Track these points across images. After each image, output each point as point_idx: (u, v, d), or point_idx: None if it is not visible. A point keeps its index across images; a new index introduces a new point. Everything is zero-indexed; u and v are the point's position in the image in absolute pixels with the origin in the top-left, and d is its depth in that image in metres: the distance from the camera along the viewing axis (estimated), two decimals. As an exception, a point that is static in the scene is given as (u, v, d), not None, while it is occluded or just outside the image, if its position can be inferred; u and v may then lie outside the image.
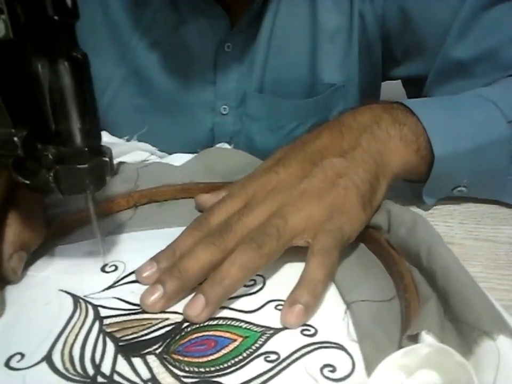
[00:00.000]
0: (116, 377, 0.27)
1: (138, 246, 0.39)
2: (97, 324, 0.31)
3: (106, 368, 0.28)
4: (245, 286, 0.34)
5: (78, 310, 0.32)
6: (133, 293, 0.34)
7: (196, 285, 0.33)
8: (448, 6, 0.54)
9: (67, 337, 0.30)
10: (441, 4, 0.54)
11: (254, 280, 0.35)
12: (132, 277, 0.35)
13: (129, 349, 0.29)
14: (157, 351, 0.29)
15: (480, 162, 0.43)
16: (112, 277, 0.35)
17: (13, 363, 0.28)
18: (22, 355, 0.29)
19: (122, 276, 0.36)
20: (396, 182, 0.42)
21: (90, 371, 0.28)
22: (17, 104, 0.29)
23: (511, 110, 0.44)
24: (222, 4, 0.60)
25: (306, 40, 0.61)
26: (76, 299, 0.33)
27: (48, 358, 0.28)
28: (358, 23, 0.60)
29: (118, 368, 0.28)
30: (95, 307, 0.33)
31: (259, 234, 0.34)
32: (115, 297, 0.33)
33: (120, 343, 0.30)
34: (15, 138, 0.29)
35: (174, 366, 0.28)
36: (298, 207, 0.36)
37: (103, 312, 0.32)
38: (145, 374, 0.28)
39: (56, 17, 0.28)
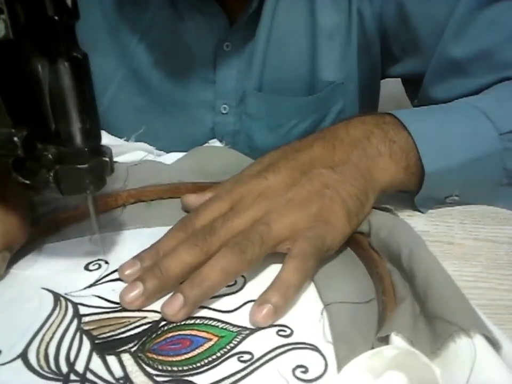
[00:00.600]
0: (89, 375, 0.28)
1: (123, 245, 0.39)
2: (75, 322, 0.31)
3: (80, 366, 0.28)
4: (226, 285, 0.34)
5: (58, 308, 0.33)
6: (114, 291, 0.34)
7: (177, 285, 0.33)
8: (445, 4, 0.53)
9: (44, 334, 0.30)
10: (438, 1, 0.53)
11: (235, 280, 0.35)
12: (114, 275, 0.36)
13: (104, 347, 0.30)
14: (132, 350, 0.29)
15: (472, 174, 0.43)
16: (95, 275, 0.36)
17: (-11, 360, 0.29)
18: (-1, 352, 0.29)
19: (104, 274, 0.36)
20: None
21: (64, 369, 0.28)
22: (17, 104, 0.29)
23: (503, 123, 0.43)
24: (220, 3, 0.60)
25: (305, 38, 0.61)
26: (57, 297, 0.34)
27: (23, 355, 0.29)
28: (356, 21, 0.59)
29: (91, 366, 0.28)
30: (75, 305, 0.33)
31: (243, 240, 0.34)
32: (96, 295, 0.34)
33: (96, 341, 0.30)
34: (15, 138, 0.29)
35: (148, 365, 0.28)
36: (283, 214, 0.36)
37: (83, 310, 0.32)
38: (118, 372, 0.28)
39: (56, 17, 0.28)
